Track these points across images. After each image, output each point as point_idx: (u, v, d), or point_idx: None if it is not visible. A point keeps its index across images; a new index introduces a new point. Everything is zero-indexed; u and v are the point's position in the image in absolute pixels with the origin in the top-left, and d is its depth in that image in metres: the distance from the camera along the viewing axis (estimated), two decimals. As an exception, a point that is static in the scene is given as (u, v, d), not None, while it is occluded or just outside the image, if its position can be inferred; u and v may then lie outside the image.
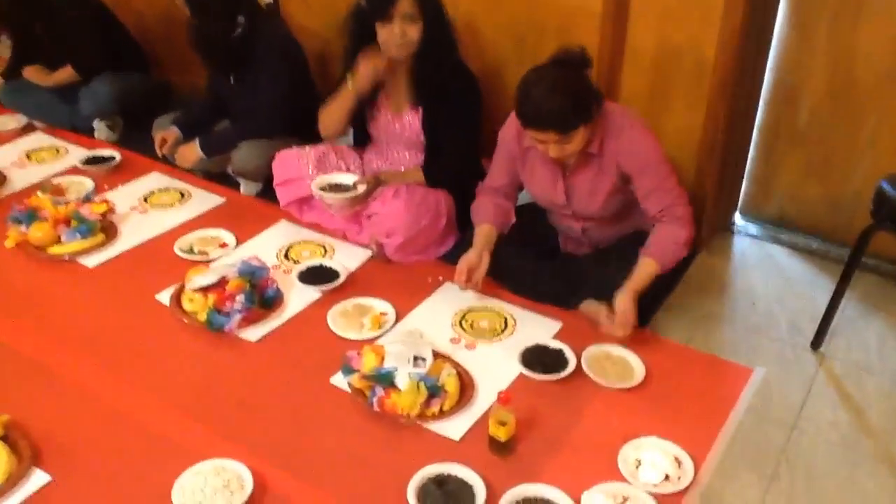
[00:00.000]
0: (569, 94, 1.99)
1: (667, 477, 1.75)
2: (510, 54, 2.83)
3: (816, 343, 2.26)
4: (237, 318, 2.28)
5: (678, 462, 1.80)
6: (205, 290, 2.34)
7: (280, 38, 2.98)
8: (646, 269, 2.14)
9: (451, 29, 2.56)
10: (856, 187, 2.61)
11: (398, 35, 2.44)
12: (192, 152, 3.03)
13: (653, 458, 1.78)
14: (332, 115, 2.70)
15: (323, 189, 2.65)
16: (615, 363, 2.12)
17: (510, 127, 2.30)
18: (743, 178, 2.87)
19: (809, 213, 2.77)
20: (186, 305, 2.36)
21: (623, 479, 1.76)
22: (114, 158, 3.32)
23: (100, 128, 3.60)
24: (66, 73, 3.61)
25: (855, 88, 2.50)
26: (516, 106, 2.07)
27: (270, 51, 2.91)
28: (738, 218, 2.92)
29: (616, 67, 2.59)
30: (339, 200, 2.61)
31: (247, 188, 3.10)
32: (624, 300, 2.11)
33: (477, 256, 2.32)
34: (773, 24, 2.56)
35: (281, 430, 1.96)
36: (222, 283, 2.34)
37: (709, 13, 2.34)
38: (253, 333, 2.30)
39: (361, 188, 2.61)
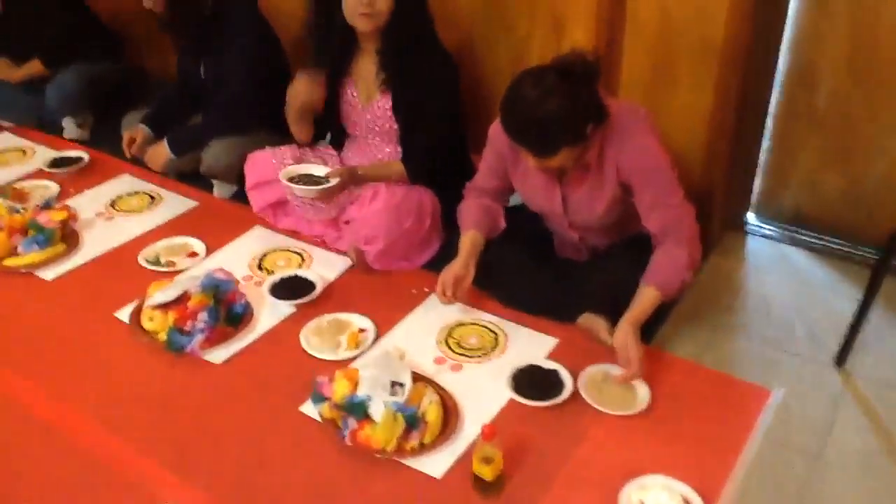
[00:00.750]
0: (560, 114, 1.75)
1: (674, 524, 1.55)
2: (493, 30, 2.59)
3: (841, 359, 2.02)
4: (199, 338, 2.08)
5: (687, 504, 1.59)
6: (165, 307, 2.14)
7: (250, 20, 2.77)
8: (646, 298, 1.91)
9: (426, 2, 2.32)
10: (880, 177, 2.38)
11: (365, 3, 2.20)
12: (161, 152, 2.84)
13: (658, 502, 1.57)
14: (292, 126, 2.60)
15: (292, 179, 2.42)
16: (616, 385, 1.90)
17: (500, 125, 2.01)
18: (756, 168, 2.63)
19: (829, 208, 2.54)
20: (146, 324, 2.16)
21: (624, 527, 1.55)
22: (81, 160, 3.11)
23: (69, 127, 3.39)
24: (34, 67, 3.41)
25: (878, 67, 2.28)
26: (500, 106, 1.84)
27: (240, 35, 2.72)
28: (750, 216, 2.69)
29: (615, 43, 2.34)
30: (308, 192, 2.37)
31: (220, 190, 2.89)
32: (621, 335, 1.88)
33: (462, 267, 2.11)
34: (790, -4, 2.34)
35: (243, 467, 1.76)
36: (184, 298, 2.14)
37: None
38: (218, 355, 2.10)
39: (334, 181, 2.37)
